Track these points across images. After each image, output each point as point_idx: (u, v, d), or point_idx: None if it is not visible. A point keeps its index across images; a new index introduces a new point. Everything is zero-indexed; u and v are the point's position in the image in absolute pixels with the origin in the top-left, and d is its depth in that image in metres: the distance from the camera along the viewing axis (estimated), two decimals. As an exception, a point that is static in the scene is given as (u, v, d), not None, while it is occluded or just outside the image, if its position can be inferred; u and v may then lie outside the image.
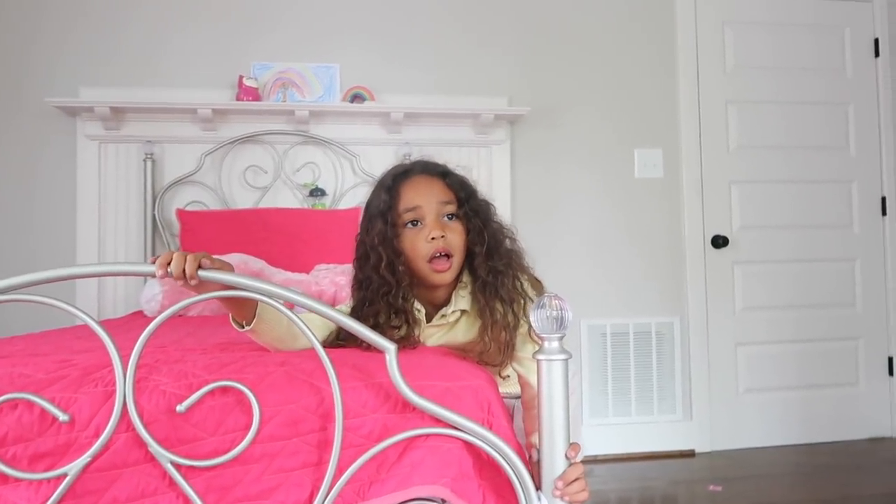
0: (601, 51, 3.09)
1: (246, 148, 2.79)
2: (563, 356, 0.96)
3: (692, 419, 3.04)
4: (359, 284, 1.26)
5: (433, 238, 1.22)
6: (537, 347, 0.98)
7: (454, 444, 0.93)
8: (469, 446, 0.94)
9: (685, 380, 3.05)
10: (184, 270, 0.92)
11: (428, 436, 0.93)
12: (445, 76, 2.96)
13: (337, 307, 1.12)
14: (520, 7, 3.04)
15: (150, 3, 2.80)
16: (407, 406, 0.94)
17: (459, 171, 1.33)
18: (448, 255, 1.23)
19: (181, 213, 2.65)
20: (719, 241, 3.10)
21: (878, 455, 2.99)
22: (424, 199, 1.24)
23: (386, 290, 1.21)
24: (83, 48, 2.75)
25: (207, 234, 2.55)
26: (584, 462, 0.98)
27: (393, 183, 1.27)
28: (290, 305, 0.98)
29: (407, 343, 1.19)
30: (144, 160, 2.69)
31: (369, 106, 2.82)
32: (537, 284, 1.32)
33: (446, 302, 1.29)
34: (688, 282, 3.08)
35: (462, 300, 1.27)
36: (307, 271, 2.36)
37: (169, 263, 0.92)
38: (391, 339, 1.01)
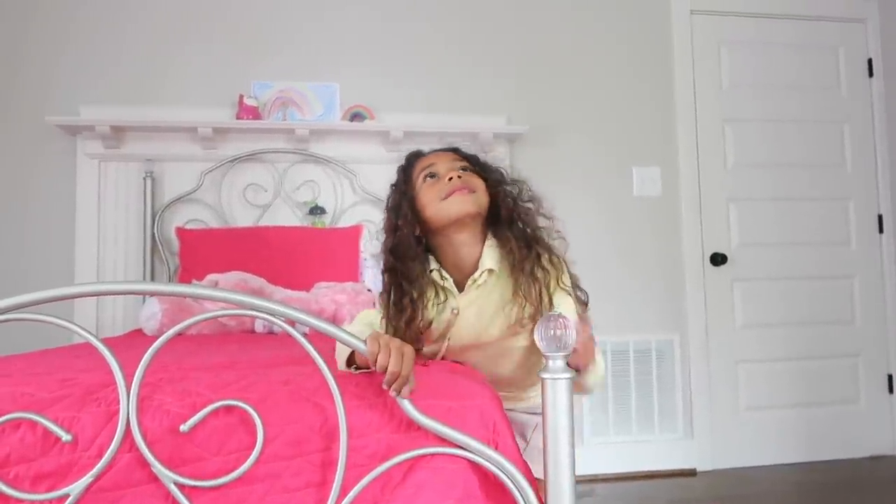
0: (599, 70, 3.12)
1: (246, 166, 2.80)
2: (567, 375, 0.96)
3: (693, 437, 3.02)
4: (386, 284, 1.27)
5: (450, 179, 1.25)
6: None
7: (459, 465, 0.93)
8: (474, 466, 0.93)
9: (686, 397, 3.04)
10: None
11: (433, 456, 0.93)
12: (444, 95, 2.98)
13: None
14: (518, 28, 3.07)
15: (151, 22, 2.83)
16: (412, 425, 0.94)
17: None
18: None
19: (181, 232, 2.64)
20: (718, 259, 3.10)
21: (880, 473, 2.97)
22: (438, 159, 1.30)
23: (409, 255, 1.24)
24: (83, 67, 2.76)
25: (207, 253, 2.55)
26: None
27: (407, 162, 1.34)
28: (292, 322, 0.98)
29: (430, 354, 1.24)
30: (144, 178, 2.69)
31: (369, 125, 2.83)
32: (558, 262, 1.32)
33: (475, 269, 1.29)
34: (687, 299, 3.08)
35: (490, 259, 1.28)
36: (307, 289, 2.36)
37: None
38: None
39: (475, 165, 1.32)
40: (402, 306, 1.22)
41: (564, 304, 1.25)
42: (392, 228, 1.27)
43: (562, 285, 1.26)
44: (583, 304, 1.32)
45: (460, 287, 1.29)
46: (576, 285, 1.32)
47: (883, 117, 3.30)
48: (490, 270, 1.27)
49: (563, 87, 3.08)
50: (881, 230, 3.28)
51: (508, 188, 1.31)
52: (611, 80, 3.12)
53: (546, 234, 1.33)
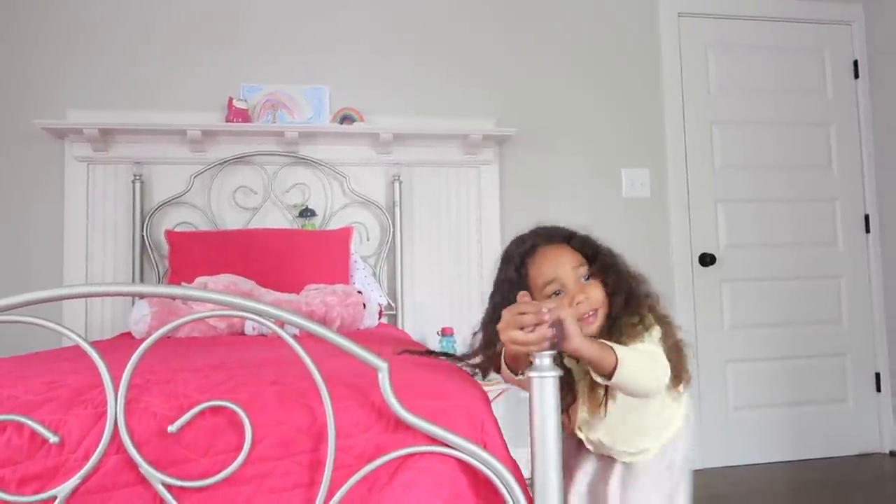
0: (588, 72, 3.13)
1: (235, 169, 2.80)
2: (554, 373, 0.97)
3: (683, 437, 3.03)
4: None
5: (579, 303, 1.26)
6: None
7: (448, 465, 0.93)
8: (463, 466, 0.93)
9: (675, 398, 3.05)
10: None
11: (421, 456, 0.93)
12: (434, 98, 2.98)
13: None
14: (507, 31, 3.08)
15: (139, 25, 2.82)
16: (399, 425, 0.94)
17: (580, 232, 1.39)
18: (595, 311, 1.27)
19: (170, 234, 2.64)
20: (707, 260, 3.13)
21: (868, 471, 3.00)
22: (559, 268, 1.29)
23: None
24: (72, 71, 2.75)
25: (197, 255, 2.54)
26: None
27: (521, 261, 1.32)
28: (280, 323, 0.98)
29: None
30: (133, 182, 2.68)
31: (358, 127, 2.83)
32: (663, 320, 1.31)
33: None
34: (676, 300, 3.09)
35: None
36: (297, 291, 2.36)
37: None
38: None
39: (591, 260, 1.32)
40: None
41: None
42: None
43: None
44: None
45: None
46: (673, 355, 1.29)
47: (868, 118, 3.34)
48: None
49: (551, 89, 3.09)
50: (867, 230, 3.32)
51: (623, 283, 1.31)
52: (599, 82, 3.14)
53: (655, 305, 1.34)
